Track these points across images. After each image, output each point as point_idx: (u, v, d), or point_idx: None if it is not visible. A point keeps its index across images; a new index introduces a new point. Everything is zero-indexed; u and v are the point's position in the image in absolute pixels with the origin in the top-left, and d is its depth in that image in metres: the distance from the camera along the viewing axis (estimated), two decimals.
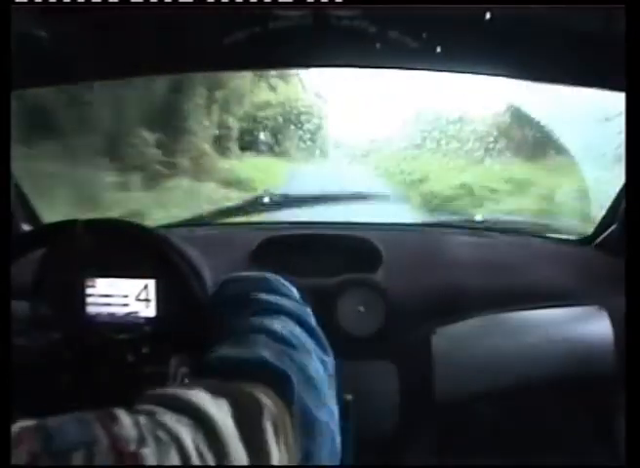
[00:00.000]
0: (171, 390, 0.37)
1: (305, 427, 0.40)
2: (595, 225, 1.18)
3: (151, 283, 0.85)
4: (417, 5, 0.61)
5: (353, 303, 1.01)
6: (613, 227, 1.12)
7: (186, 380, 0.67)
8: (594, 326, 1.04)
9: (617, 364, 0.99)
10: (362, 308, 1.01)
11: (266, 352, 0.42)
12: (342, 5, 0.61)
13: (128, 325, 0.76)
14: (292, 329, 0.48)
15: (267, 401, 0.37)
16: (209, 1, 0.59)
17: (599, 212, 1.18)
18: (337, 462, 0.44)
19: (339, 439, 0.45)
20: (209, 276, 0.95)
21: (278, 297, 0.54)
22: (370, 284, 1.03)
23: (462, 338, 1.04)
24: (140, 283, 0.85)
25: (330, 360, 0.51)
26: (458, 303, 1.05)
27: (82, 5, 0.56)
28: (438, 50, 0.71)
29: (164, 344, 0.71)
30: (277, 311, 0.51)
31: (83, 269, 0.85)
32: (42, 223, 1.15)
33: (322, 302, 1.01)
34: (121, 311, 0.85)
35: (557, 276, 1.10)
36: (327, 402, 0.45)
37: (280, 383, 0.40)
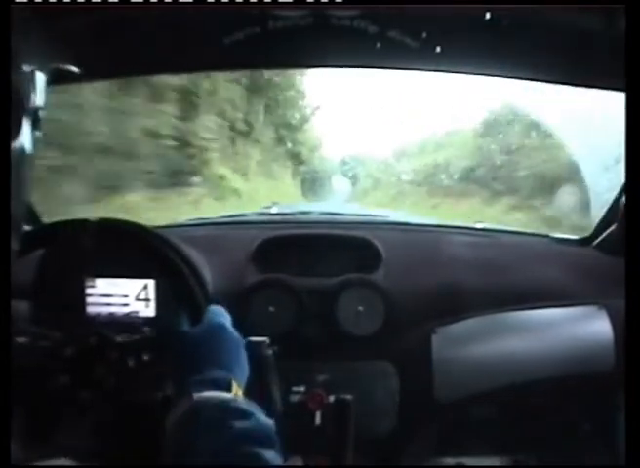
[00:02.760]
0: None
1: None
2: (595, 225, 1.18)
3: (151, 283, 0.85)
4: (417, 5, 0.61)
5: (353, 303, 1.01)
6: (613, 227, 1.12)
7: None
8: (594, 326, 1.04)
9: (616, 363, 0.99)
10: (362, 308, 1.01)
11: None
12: (342, 5, 0.61)
13: (128, 325, 0.76)
14: None
15: None
16: (209, 1, 0.59)
17: (599, 212, 1.18)
18: None
19: None
20: (208, 276, 0.95)
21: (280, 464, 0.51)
22: (370, 284, 1.03)
23: (462, 338, 1.04)
24: (139, 283, 0.85)
25: None
26: (458, 303, 1.05)
27: (82, 5, 0.56)
28: (438, 50, 0.71)
29: (165, 349, 0.71)
30: None
31: (83, 269, 0.85)
32: (42, 223, 1.15)
33: (322, 302, 1.01)
34: (121, 311, 0.85)
35: (557, 276, 1.10)
36: None
37: None
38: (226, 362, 0.61)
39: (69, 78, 0.75)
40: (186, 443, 0.51)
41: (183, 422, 0.53)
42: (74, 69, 0.68)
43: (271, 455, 0.49)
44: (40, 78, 0.44)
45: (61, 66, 0.65)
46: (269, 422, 0.53)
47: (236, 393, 0.57)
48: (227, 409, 0.52)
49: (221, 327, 0.65)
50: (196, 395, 0.54)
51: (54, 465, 0.30)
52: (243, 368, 0.64)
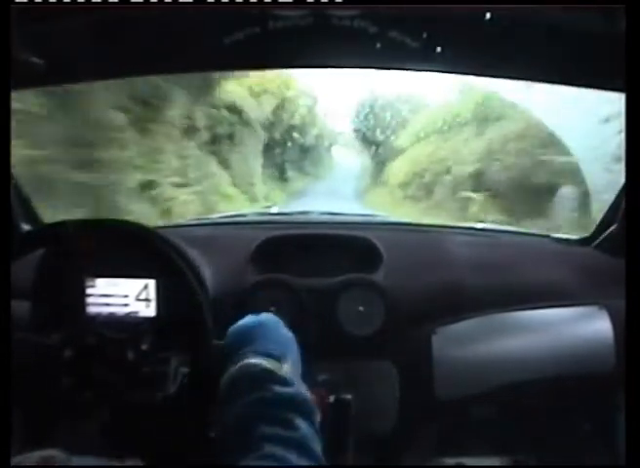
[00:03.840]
0: None
1: None
2: (595, 225, 1.18)
3: (151, 283, 0.85)
4: (417, 5, 0.61)
5: (353, 303, 1.01)
6: (613, 227, 1.12)
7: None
8: (594, 326, 1.04)
9: (616, 363, 0.99)
10: (362, 308, 1.01)
11: None
12: (342, 5, 0.61)
13: (128, 325, 0.76)
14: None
15: None
16: (209, 1, 0.59)
17: (599, 212, 1.18)
18: None
19: None
20: (208, 276, 0.95)
21: (314, 437, 0.52)
22: (370, 284, 1.03)
23: (462, 338, 1.04)
24: (139, 283, 0.85)
25: None
26: (458, 303, 1.05)
27: (82, 5, 0.56)
28: (438, 50, 0.71)
29: (165, 349, 0.71)
30: (312, 457, 0.49)
31: (83, 269, 0.85)
32: (42, 223, 1.15)
33: (322, 302, 1.01)
34: (121, 311, 0.85)
35: (557, 276, 1.10)
36: None
37: None
38: (281, 342, 0.64)
39: (69, 78, 0.75)
40: (231, 401, 0.54)
41: (230, 383, 0.57)
42: (37, 61, 0.67)
43: (304, 425, 0.51)
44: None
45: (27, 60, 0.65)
46: (307, 395, 0.56)
47: (291, 364, 0.59)
48: (271, 375, 0.55)
49: (277, 321, 0.69)
50: (247, 360, 0.57)
51: (53, 465, 0.30)
52: (295, 357, 0.65)
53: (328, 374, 0.93)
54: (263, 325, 0.66)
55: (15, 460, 0.31)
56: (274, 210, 1.55)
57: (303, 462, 0.47)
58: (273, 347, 0.61)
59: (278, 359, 0.58)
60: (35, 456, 0.32)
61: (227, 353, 0.63)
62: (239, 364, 0.58)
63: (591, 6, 0.59)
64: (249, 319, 0.69)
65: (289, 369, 0.59)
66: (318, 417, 0.55)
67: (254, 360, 0.57)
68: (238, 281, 1.03)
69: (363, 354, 1.01)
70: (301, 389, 0.56)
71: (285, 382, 0.55)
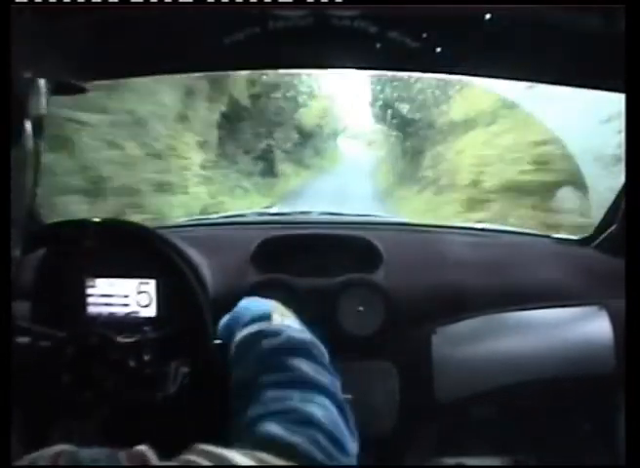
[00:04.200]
0: (212, 447, 0.38)
1: None
2: (595, 225, 1.18)
3: (151, 283, 0.85)
4: (417, 5, 0.61)
5: (353, 303, 1.01)
6: (613, 227, 1.12)
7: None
8: (594, 326, 1.04)
9: (616, 363, 0.99)
10: (362, 308, 1.01)
11: (318, 451, 0.43)
12: (342, 5, 0.61)
13: (128, 325, 0.76)
14: (327, 410, 0.48)
15: None
16: (209, 1, 0.59)
17: (599, 212, 1.18)
18: None
19: None
20: (208, 276, 0.95)
21: (318, 369, 0.53)
22: (370, 284, 1.03)
23: (462, 338, 1.04)
24: (140, 283, 0.85)
25: (356, 435, 0.51)
26: (458, 303, 1.05)
27: (82, 5, 0.56)
28: (438, 50, 0.71)
29: (165, 349, 0.71)
30: (317, 389, 0.50)
31: (83, 269, 0.85)
32: (42, 223, 1.15)
33: (322, 302, 1.01)
34: (121, 311, 0.85)
35: (557, 276, 1.10)
36: None
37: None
38: (263, 302, 0.65)
39: (73, 90, 0.75)
40: (234, 374, 0.55)
41: (229, 360, 0.58)
42: (79, 84, 0.68)
43: (304, 363, 0.52)
44: (41, 84, 0.44)
45: (65, 80, 0.66)
46: (303, 336, 0.57)
47: (281, 317, 0.60)
48: (258, 334, 0.56)
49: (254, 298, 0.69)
50: (237, 337, 0.58)
51: (54, 466, 0.30)
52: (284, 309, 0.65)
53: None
54: (241, 305, 0.67)
55: (28, 459, 0.32)
56: (274, 210, 1.54)
57: (309, 396, 0.48)
58: (256, 310, 0.61)
59: (264, 316, 0.59)
60: (50, 452, 0.32)
61: (223, 346, 0.64)
62: (233, 343, 0.59)
63: (591, 6, 0.59)
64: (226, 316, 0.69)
65: (279, 318, 0.59)
66: (323, 350, 0.57)
67: (243, 332, 0.58)
68: (238, 281, 1.03)
69: (363, 354, 1.01)
70: (291, 332, 0.56)
71: (273, 333, 0.56)
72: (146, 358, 0.70)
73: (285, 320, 0.60)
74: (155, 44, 0.73)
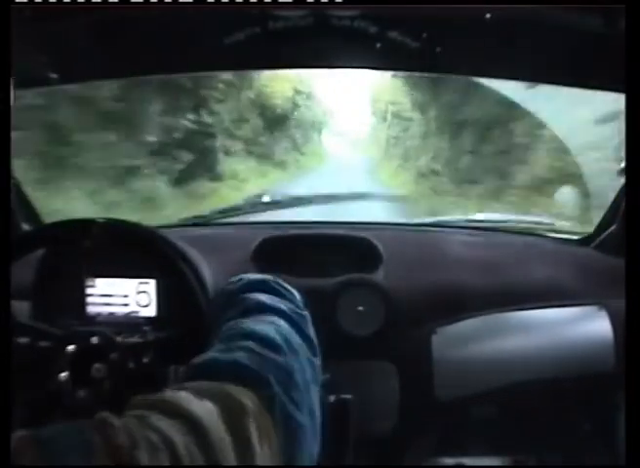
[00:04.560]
0: (160, 395, 0.38)
1: (288, 432, 0.40)
2: (595, 225, 1.18)
3: (151, 283, 0.85)
4: (417, 5, 0.61)
5: (353, 303, 1.01)
6: (613, 227, 1.12)
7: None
8: (594, 326, 1.04)
9: (616, 363, 0.99)
10: (362, 308, 1.01)
11: (251, 358, 0.43)
12: (342, 5, 0.61)
13: (128, 325, 0.76)
14: (282, 331, 0.49)
15: (251, 405, 0.38)
16: (209, 1, 0.59)
17: (599, 212, 1.18)
18: (314, 463, 0.45)
19: (318, 440, 0.46)
20: (208, 276, 0.95)
21: (274, 298, 0.55)
22: (370, 284, 1.03)
23: (462, 338, 1.04)
24: (139, 283, 0.85)
25: (318, 361, 0.51)
26: (458, 303, 1.05)
27: (82, 5, 0.56)
28: (438, 50, 0.71)
29: (165, 350, 0.71)
30: (270, 311, 0.52)
31: (83, 269, 0.85)
32: (42, 223, 1.15)
33: (322, 302, 1.01)
34: (121, 311, 0.85)
35: (557, 276, 1.10)
36: (312, 405, 0.45)
37: (262, 390, 0.41)
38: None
39: (69, 78, 0.75)
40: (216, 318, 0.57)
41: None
42: (51, 74, 0.68)
43: (262, 296, 0.55)
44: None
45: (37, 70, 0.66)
46: (263, 276, 0.61)
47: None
48: (226, 286, 0.60)
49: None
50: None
51: (59, 466, 0.30)
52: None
53: (328, 374, 0.93)
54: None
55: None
56: (265, 199, 1.50)
57: (260, 317, 0.50)
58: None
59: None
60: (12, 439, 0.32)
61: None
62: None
63: (591, 6, 0.59)
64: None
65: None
66: (284, 285, 0.60)
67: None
68: None
69: (363, 354, 1.01)
70: (256, 276, 0.61)
71: (238, 279, 0.60)
72: (146, 358, 0.70)
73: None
74: (155, 44, 0.73)
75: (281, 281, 0.61)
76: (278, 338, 0.47)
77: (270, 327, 0.48)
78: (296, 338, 0.49)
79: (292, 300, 0.57)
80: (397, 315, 1.01)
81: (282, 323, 0.50)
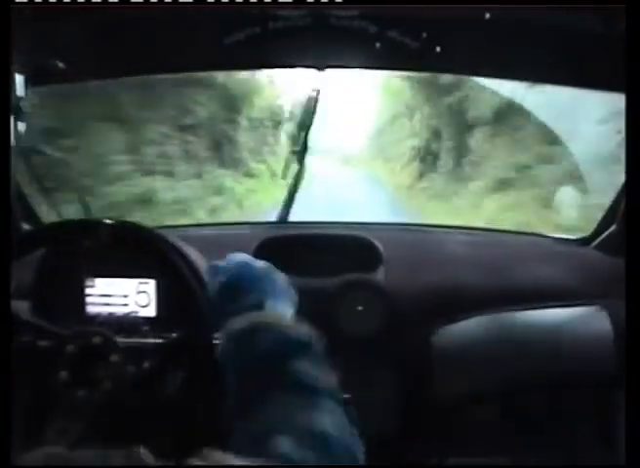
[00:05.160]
0: (221, 454, 0.38)
1: None
2: (595, 225, 1.18)
3: (151, 283, 0.85)
4: (417, 5, 0.61)
5: (353, 303, 1.01)
6: (613, 227, 1.12)
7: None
8: (594, 326, 1.04)
9: (616, 363, 0.99)
10: (362, 308, 1.01)
11: (314, 453, 0.43)
12: (342, 5, 0.62)
13: (128, 325, 0.76)
14: (334, 414, 0.49)
15: None
16: (209, 1, 0.59)
17: (599, 212, 1.18)
18: None
19: None
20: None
21: (319, 368, 0.53)
22: (370, 284, 1.03)
23: (462, 338, 1.04)
24: (139, 283, 0.85)
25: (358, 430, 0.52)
26: (458, 303, 1.05)
27: (82, 5, 0.57)
28: (438, 50, 0.71)
29: (164, 350, 0.71)
30: (320, 391, 0.51)
31: (83, 269, 0.85)
32: (42, 223, 1.15)
33: (322, 302, 1.01)
34: (121, 311, 0.85)
35: (557, 276, 1.10)
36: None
37: None
38: (258, 286, 0.64)
39: (69, 78, 0.75)
40: (226, 365, 0.54)
41: (221, 349, 0.56)
42: (60, 65, 0.68)
43: (305, 365, 0.51)
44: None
45: (47, 63, 0.65)
46: (298, 331, 0.55)
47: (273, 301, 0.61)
48: (254, 330, 0.54)
49: (244, 261, 0.69)
50: (230, 322, 0.56)
51: (55, 466, 0.30)
52: (279, 290, 0.67)
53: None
54: (233, 271, 0.66)
55: (19, 459, 0.31)
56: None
57: (314, 400, 0.49)
58: (251, 297, 0.61)
59: (260, 305, 0.60)
60: (40, 454, 0.32)
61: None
62: (225, 329, 0.57)
63: (591, 6, 0.59)
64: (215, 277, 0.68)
65: (272, 304, 0.61)
66: (318, 342, 0.57)
67: (235, 325, 0.56)
68: None
69: (363, 354, 1.01)
70: (285, 330, 0.55)
71: (269, 329, 0.55)
72: (145, 358, 0.70)
73: (278, 305, 0.61)
74: (155, 44, 0.73)
75: (314, 334, 0.58)
76: (349, 439, 0.49)
77: (338, 420, 0.49)
78: (346, 424, 0.50)
79: (330, 366, 0.55)
80: (397, 315, 1.01)
81: (339, 411, 0.50)
